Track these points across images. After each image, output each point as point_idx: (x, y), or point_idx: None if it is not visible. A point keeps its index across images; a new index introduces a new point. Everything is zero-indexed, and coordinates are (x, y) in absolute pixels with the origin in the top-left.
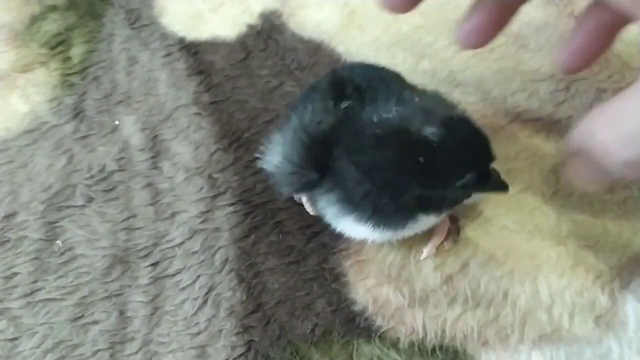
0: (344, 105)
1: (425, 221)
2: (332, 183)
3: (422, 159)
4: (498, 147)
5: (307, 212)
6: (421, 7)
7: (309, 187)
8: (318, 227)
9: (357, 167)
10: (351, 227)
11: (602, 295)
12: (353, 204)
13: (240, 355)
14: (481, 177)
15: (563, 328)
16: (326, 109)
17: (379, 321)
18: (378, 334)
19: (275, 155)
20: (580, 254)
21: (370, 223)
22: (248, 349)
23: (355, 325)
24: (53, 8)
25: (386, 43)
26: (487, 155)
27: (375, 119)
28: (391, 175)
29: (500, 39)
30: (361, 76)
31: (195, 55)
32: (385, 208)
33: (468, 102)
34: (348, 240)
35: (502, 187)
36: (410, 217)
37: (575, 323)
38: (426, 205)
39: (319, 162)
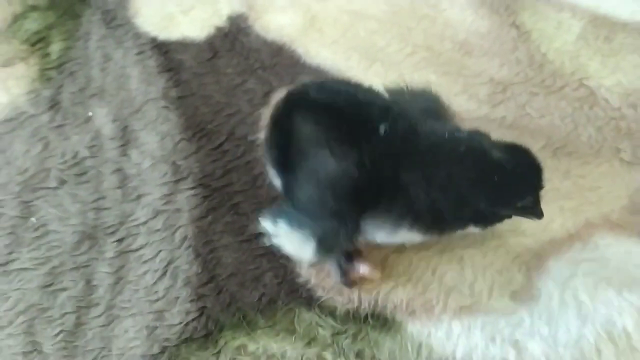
0: (382, 130)
1: (468, 231)
2: (386, 205)
3: (496, 178)
4: None
5: (262, 196)
6: (378, 14)
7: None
8: None
9: (429, 180)
10: (401, 237)
11: (519, 274)
12: (414, 218)
13: (193, 320)
14: (534, 202)
15: (482, 301)
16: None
17: (319, 292)
18: (318, 303)
19: (309, 238)
20: (504, 237)
21: (426, 231)
22: (200, 314)
23: (298, 295)
24: (34, 8)
25: (343, 46)
26: (541, 183)
27: (447, 135)
28: (465, 190)
29: (447, 46)
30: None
31: (166, 54)
32: (447, 216)
33: None
34: None
35: (540, 215)
36: (463, 227)
37: (493, 297)
38: (480, 220)
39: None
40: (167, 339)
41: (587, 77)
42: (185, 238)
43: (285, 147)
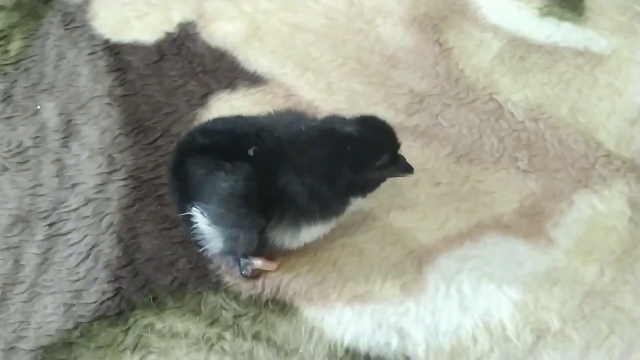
0: (251, 152)
1: (355, 204)
2: (280, 211)
3: (349, 147)
4: None
5: None
6: (316, 27)
7: (261, 232)
8: None
9: (298, 171)
10: (307, 234)
11: (411, 267)
12: (304, 211)
13: (108, 299)
14: (393, 159)
15: (374, 290)
16: (231, 170)
17: (227, 278)
18: (225, 288)
19: (217, 238)
20: (402, 234)
21: (320, 219)
22: (116, 294)
23: (208, 280)
24: (1, 8)
25: (280, 55)
26: (395, 141)
27: (303, 128)
28: (327, 166)
29: (376, 59)
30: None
31: (117, 55)
32: (326, 197)
33: (336, 108)
34: None
35: (408, 169)
36: (346, 201)
37: (385, 287)
38: (355, 189)
39: (259, 208)
40: (81, 316)
41: (497, 92)
42: (111, 224)
43: (184, 187)
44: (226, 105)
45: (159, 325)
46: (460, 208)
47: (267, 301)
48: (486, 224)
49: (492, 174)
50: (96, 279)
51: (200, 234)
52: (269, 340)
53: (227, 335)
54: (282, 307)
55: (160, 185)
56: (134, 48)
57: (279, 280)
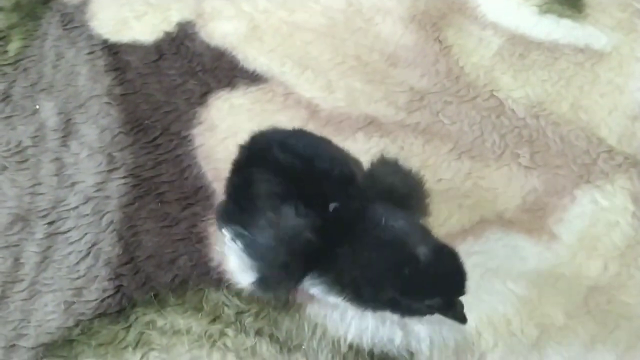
0: (332, 208)
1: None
2: (322, 270)
3: (407, 270)
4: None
5: (186, 187)
6: (315, 26)
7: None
8: (193, 200)
9: (354, 258)
10: (335, 300)
11: None
12: (340, 288)
13: (108, 297)
14: (447, 305)
15: None
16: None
17: (228, 275)
18: (226, 284)
19: (252, 269)
20: None
21: (352, 304)
22: (116, 292)
23: (209, 277)
24: (0, 9)
25: (279, 54)
26: (459, 289)
27: (383, 222)
28: (379, 274)
29: (375, 57)
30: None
31: (115, 54)
32: (365, 296)
33: (336, 106)
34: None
35: (461, 319)
36: (383, 309)
37: None
38: (395, 308)
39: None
40: (82, 314)
41: (498, 89)
42: (111, 222)
43: (243, 199)
44: (226, 103)
45: (160, 322)
46: (463, 204)
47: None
48: (489, 220)
49: (494, 170)
50: (97, 276)
51: (230, 252)
52: (271, 336)
53: (230, 331)
54: (285, 303)
55: (161, 183)
56: (133, 48)
57: None
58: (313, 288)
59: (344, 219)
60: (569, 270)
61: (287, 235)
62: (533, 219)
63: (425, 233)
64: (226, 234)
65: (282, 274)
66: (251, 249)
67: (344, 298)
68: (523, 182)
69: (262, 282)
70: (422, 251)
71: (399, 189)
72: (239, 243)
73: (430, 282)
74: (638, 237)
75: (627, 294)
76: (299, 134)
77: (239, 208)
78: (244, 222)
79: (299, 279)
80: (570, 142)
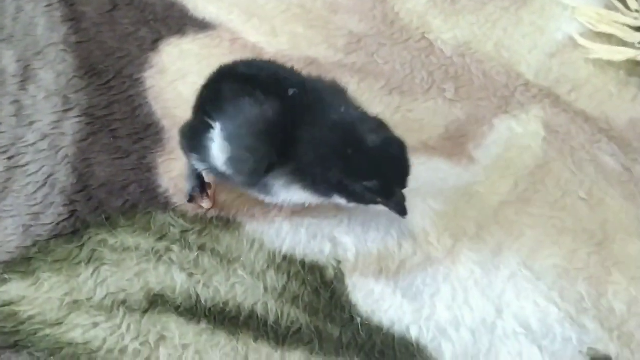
0: (291, 92)
1: (340, 201)
2: (287, 157)
3: (350, 151)
4: None
5: (137, 124)
6: None
7: (268, 170)
8: (143, 135)
9: (314, 137)
10: (296, 194)
11: None
12: (302, 171)
13: (63, 220)
14: (385, 191)
15: (311, 207)
16: (267, 100)
17: (175, 199)
18: (173, 207)
19: (224, 152)
20: None
21: (311, 189)
22: (71, 216)
23: (157, 201)
24: None
25: (227, 3)
26: (400, 178)
27: (342, 109)
28: (327, 154)
29: (318, 4)
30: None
31: (72, 6)
32: (319, 179)
33: (280, 50)
34: (164, 144)
35: (401, 210)
36: (331, 192)
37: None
38: (341, 190)
39: (278, 146)
40: (39, 235)
41: (429, 32)
42: (66, 156)
43: (211, 101)
44: (176, 49)
45: (111, 241)
46: None
47: (212, 218)
48: (414, 147)
49: (421, 103)
50: (52, 203)
51: (207, 147)
52: (213, 250)
53: (175, 247)
54: (226, 222)
55: (113, 121)
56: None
57: (223, 200)
58: (275, 183)
59: (303, 103)
60: (483, 188)
61: (254, 116)
62: (454, 145)
63: (380, 125)
64: (214, 123)
65: (247, 155)
66: (222, 135)
67: (303, 186)
68: (447, 114)
69: (235, 162)
70: (371, 138)
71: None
72: (223, 130)
73: (371, 165)
74: (547, 158)
75: (533, 206)
76: (264, 60)
77: (211, 105)
78: (215, 116)
79: (263, 161)
80: (492, 77)
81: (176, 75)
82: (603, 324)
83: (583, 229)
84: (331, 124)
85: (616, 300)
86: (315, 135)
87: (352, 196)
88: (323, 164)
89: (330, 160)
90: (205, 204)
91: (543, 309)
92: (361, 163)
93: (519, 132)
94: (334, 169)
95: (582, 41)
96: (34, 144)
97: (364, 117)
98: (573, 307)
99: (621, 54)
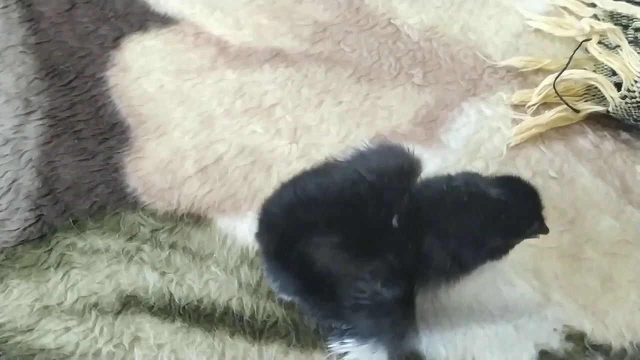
0: (395, 222)
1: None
2: (423, 278)
3: (503, 215)
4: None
5: (102, 124)
6: None
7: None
8: (109, 135)
9: (443, 236)
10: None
11: None
12: (447, 276)
13: (30, 225)
14: (541, 225)
15: None
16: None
17: (143, 198)
18: (142, 207)
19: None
20: (307, 149)
21: (456, 280)
22: (37, 221)
23: (125, 201)
24: None
25: None
26: (541, 204)
27: (445, 187)
28: (479, 234)
29: None
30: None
31: (29, 7)
32: (468, 262)
33: (244, 42)
34: (131, 142)
35: (545, 231)
36: (484, 264)
37: None
38: (498, 254)
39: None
40: (5, 242)
41: (395, 17)
42: (29, 160)
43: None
44: (138, 46)
45: (80, 244)
46: (361, 122)
47: (182, 215)
48: (384, 135)
49: (389, 90)
50: (18, 208)
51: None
52: (185, 248)
53: (146, 247)
54: (197, 219)
55: (77, 122)
56: None
57: (193, 196)
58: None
59: (407, 221)
60: (454, 172)
61: (373, 310)
62: (424, 130)
63: (479, 177)
64: (335, 348)
65: (393, 334)
66: (357, 329)
67: (454, 281)
68: (416, 99)
69: (390, 345)
70: (498, 192)
71: (400, 162)
72: (347, 340)
73: (523, 212)
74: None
75: None
76: (306, 176)
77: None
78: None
79: (412, 310)
80: (460, 60)
81: (140, 73)
82: (577, 301)
83: (554, 208)
84: (459, 206)
85: (589, 276)
86: (447, 228)
87: (505, 252)
88: (475, 246)
89: (485, 237)
90: None
91: (518, 289)
92: (517, 219)
93: (488, 114)
94: (491, 242)
95: (527, 14)
96: None
97: (465, 179)
98: (547, 286)
99: (564, 29)
